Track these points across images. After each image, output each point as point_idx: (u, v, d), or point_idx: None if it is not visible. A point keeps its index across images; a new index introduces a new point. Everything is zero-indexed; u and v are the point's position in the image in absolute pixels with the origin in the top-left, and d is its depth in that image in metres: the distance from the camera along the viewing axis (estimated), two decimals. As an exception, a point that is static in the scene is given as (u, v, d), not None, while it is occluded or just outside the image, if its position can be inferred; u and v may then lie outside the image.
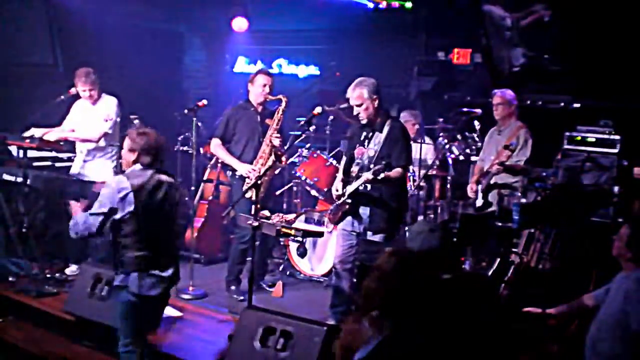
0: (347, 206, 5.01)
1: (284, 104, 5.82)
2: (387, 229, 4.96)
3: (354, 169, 5.00)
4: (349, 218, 5.06)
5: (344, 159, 5.25)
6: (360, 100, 4.89)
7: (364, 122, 4.98)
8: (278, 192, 6.98)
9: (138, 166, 3.96)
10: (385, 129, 4.93)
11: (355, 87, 4.92)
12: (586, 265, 4.92)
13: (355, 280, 5.13)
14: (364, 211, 4.98)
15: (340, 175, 5.18)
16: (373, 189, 4.89)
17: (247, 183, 5.51)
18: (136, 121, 6.10)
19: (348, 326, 2.81)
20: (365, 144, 4.99)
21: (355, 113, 4.97)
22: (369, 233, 4.97)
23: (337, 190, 5.08)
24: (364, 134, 5.03)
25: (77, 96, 6.09)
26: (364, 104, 4.89)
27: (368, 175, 4.68)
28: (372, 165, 4.80)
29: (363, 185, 4.82)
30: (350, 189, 4.93)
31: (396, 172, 4.81)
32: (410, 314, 2.64)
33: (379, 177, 4.60)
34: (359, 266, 5.10)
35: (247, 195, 5.13)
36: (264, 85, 5.82)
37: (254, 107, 5.89)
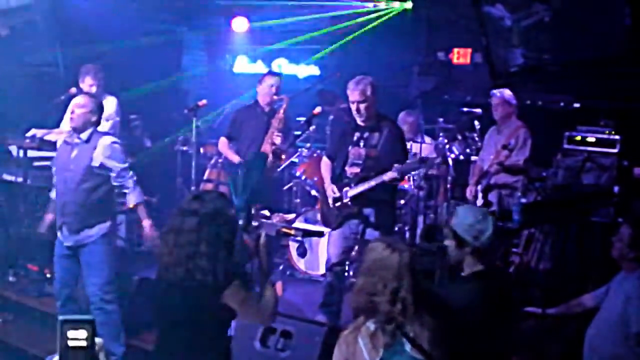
0: (351, 208, 4.82)
1: (285, 104, 5.88)
2: (388, 227, 4.90)
3: (353, 169, 4.82)
4: (350, 220, 4.88)
5: (327, 161, 5.06)
6: (363, 96, 4.71)
7: (362, 119, 4.80)
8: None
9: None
10: (385, 129, 4.81)
11: (358, 82, 4.74)
12: (586, 265, 4.93)
13: (349, 281, 5.12)
14: (369, 212, 4.82)
15: (328, 178, 4.98)
16: (379, 189, 4.71)
17: None
18: (137, 122, 6.10)
19: (348, 338, 2.71)
20: (361, 144, 4.84)
21: (355, 110, 4.77)
22: (368, 231, 4.82)
23: (334, 193, 4.85)
24: (358, 134, 4.87)
25: (76, 96, 6.08)
26: (367, 101, 4.73)
27: (392, 174, 4.55)
28: (395, 164, 4.57)
29: (369, 185, 4.70)
30: (357, 189, 4.75)
31: None
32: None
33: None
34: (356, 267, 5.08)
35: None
36: (271, 86, 5.92)
37: (261, 108, 5.97)
